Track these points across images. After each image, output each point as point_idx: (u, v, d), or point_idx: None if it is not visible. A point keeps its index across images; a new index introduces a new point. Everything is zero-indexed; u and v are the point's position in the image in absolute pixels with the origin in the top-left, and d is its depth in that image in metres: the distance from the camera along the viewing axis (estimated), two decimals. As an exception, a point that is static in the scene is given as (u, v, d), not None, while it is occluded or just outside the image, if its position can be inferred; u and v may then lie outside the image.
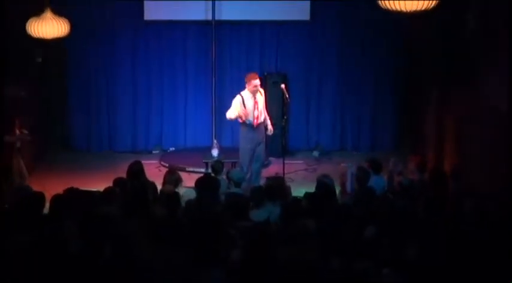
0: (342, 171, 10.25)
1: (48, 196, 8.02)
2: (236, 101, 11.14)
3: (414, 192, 8.73)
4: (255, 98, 11.11)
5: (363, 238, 7.00)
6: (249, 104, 11.08)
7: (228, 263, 6.27)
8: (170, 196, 8.13)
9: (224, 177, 9.53)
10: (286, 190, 9.15)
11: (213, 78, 13.29)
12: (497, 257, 6.46)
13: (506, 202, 8.19)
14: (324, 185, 8.65)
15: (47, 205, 7.90)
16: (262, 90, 11.37)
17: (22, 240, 6.77)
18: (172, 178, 9.14)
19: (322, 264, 6.37)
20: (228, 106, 13.49)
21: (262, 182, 9.60)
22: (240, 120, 11.17)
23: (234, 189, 9.00)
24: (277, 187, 8.74)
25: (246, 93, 11.13)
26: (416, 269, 6.16)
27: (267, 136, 11.80)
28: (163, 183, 9.20)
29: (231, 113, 11.18)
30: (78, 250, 6.62)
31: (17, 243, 6.75)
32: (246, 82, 11.23)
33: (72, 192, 8.08)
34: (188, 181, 9.70)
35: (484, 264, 6.39)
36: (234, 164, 11.50)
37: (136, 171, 9.12)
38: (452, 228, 7.32)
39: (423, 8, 8.48)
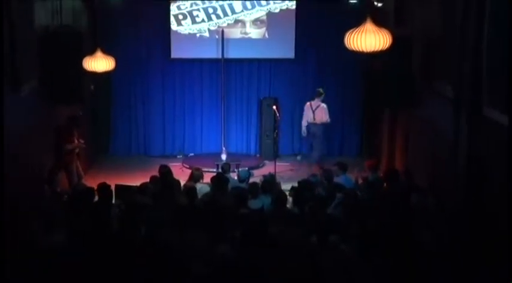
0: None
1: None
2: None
3: (374, 186, 8.79)
4: None
5: (333, 219, 7.01)
6: None
7: (233, 240, 6.28)
8: (189, 190, 8.16)
9: (234, 175, 9.58)
10: (276, 185, 9.16)
11: (222, 102, 13.28)
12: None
13: (442, 196, 8.22)
14: (304, 181, 8.65)
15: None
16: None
17: (77, 222, 6.79)
18: (197, 174, 9.20)
19: (304, 239, 6.37)
20: (233, 121, 13.63)
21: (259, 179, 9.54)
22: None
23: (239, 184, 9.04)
24: (270, 182, 8.75)
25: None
26: (373, 241, 6.16)
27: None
28: (189, 178, 9.22)
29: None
30: (119, 230, 6.62)
31: (74, 225, 6.76)
32: (323, 94, 12.35)
33: (104, 187, 8.03)
34: (204, 178, 9.68)
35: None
36: (237, 165, 11.51)
37: (164, 172, 9.14)
38: (400, 211, 7.38)
39: (379, 49, 8.50)
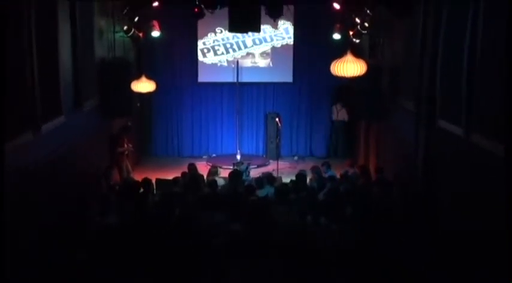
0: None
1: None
2: None
3: (350, 179, 8.76)
4: None
5: (322, 204, 6.97)
6: None
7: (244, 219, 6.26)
8: (211, 182, 8.15)
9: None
10: (277, 179, 9.13)
11: (237, 115, 13.31)
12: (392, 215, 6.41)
13: (404, 187, 8.19)
14: (300, 175, 8.65)
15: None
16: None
17: (127, 208, 6.79)
18: (213, 171, 9.20)
19: (301, 220, 6.33)
20: (245, 130, 13.62)
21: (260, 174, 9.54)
22: None
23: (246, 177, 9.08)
24: (269, 177, 8.71)
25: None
26: (350, 222, 6.13)
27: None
28: (208, 173, 9.21)
29: None
30: (159, 212, 6.62)
31: (124, 209, 6.77)
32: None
33: (147, 181, 8.04)
34: (223, 173, 9.69)
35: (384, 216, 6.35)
36: (249, 164, 11.51)
37: (191, 168, 9.16)
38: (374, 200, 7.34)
39: (357, 75, 8.51)
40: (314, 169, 9.24)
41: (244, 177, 8.90)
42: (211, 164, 11.70)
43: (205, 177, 9.06)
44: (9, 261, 5.07)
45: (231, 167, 11.13)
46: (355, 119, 12.55)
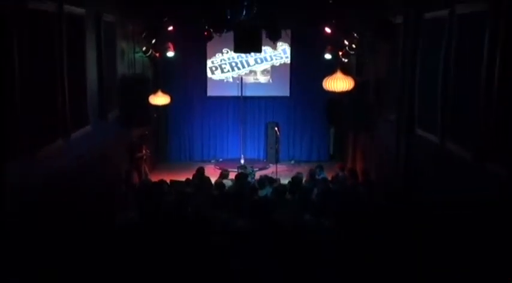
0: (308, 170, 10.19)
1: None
2: None
3: (341, 180, 8.74)
4: None
5: (315, 203, 6.95)
6: None
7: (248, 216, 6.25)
8: (219, 184, 8.15)
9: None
10: (276, 180, 9.14)
11: (241, 125, 13.31)
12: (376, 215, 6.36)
13: (387, 189, 8.18)
14: (296, 178, 8.64)
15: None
16: None
17: (145, 206, 6.79)
18: (225, 174, 9.17)
19: (300, 218, 6.29)
20: (248, 137, 13.61)
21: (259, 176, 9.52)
22: None
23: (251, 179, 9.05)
24: (272, 178, 8.72)
25: None
26: (339, 219, 6.09)
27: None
28: (220, 176, 9.18)
29: None
30: (173, 210, 6.62)
31: (143, 207, 6.77)
32: None
33: (163, 182, 8.05)
34: (230, 176, 9.66)
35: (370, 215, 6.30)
36: (252, 167, 11.50)
37: (199, 171, 9.15)
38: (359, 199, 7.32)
39: (346, 90, 8.55)
40: (310, 172, 9.25)
41: (249, 179, 8.89)
42: (219, 167, 11.71)
43: (216, 178, 9.04)
44: (25, 257, 4.93)
45: (236, 170, 11.15)
46: (344, 128, 12.52)
